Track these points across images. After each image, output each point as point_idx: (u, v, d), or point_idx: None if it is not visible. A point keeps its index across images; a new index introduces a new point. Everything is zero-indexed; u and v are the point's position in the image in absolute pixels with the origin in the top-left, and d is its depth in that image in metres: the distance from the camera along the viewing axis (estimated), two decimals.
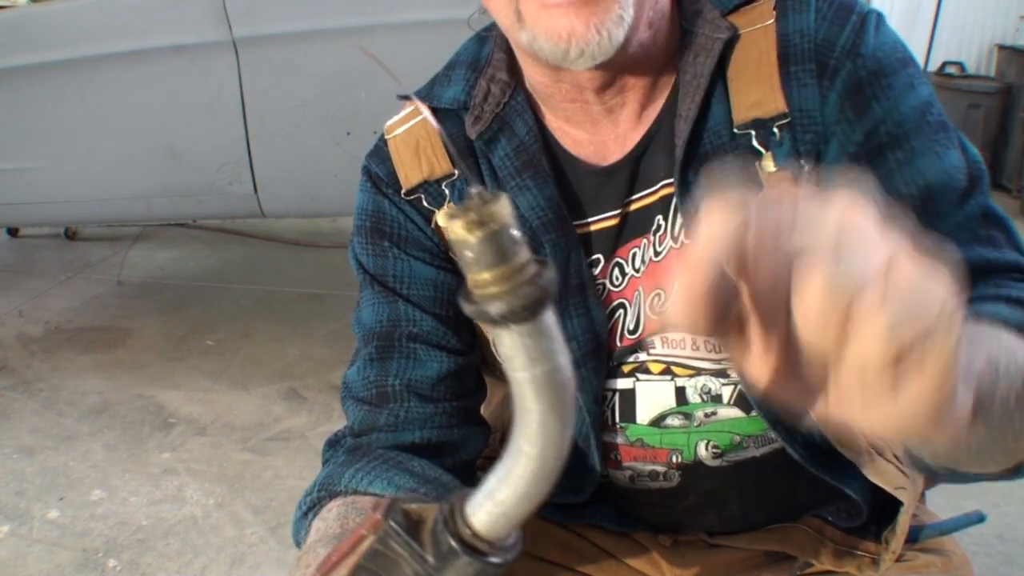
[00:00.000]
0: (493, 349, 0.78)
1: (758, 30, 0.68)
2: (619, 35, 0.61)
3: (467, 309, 0.31)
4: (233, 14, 2.16)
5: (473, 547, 0.32)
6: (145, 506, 2.03)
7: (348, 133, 2.19)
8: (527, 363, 0.30)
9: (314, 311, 3.20)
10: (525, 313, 0.29)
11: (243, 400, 2.54)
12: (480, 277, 0.29)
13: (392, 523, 0.33)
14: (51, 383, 2.66)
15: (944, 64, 4.65)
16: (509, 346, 0.30)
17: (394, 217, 0.76)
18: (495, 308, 0.29)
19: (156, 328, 3.06)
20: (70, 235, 4.15)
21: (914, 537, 0.79)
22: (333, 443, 0.79)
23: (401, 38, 2.09)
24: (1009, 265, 0.66)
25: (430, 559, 0.32)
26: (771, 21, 0.68)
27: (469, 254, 0.29)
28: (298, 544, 0.72)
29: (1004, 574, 1.78)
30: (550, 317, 0.30)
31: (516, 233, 0.29)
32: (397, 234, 0.76)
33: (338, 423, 2.65)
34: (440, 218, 0.66)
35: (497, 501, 0.31)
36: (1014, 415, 0.47)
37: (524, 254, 0.29)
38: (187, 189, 2.36)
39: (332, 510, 0.69)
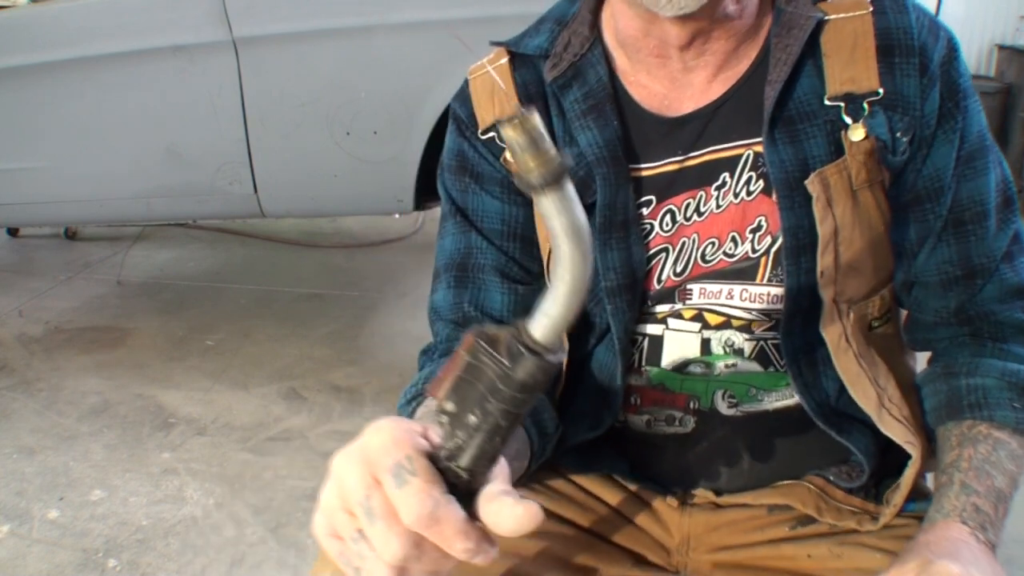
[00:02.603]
0: (547, 274, 0.85)
1: (854, 17, 0.76)
2: None
3: (518, 182, 0.44)
4: (233, 14, 2.16)
5: (534, 350, 0.46)
6: (145, 506, 2.03)
7: (348, 133, 2.19)
8: (556, 214, 0.44)
9: (314, 311, 3.20)
10: (553, 181, 0.43)
11: (243, 400, 2.54)
12: (525, 163, 0.43)
13: (480, 341, 0.47)
14: (51, 383, 2.66)
15: None
16: (546, 205, 0.44)
17: (472, 156, 0.86)
18: (535, 178, 0.43)
19: (156, 328, 3.07)
20: (70, 235, 4.16)
21: (911, 507, 0.82)
22: (426, 351, 0.88)
23: (401, 38, 2.09)
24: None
25: (505, 362, 0.46)
26: (867, 11, 0.75)
27: (517, 145, 0.43)
28: None
29: None
30: (571, 187, 0.44)
31: (544, 133, 0.43)
32: (476, 171, 0.86)
33: (338, 423, 2.63)
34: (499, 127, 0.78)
35: (549, 315, 0.46)
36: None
37: (552, 147, 0.43)
38: (187, 189, 2.37)
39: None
